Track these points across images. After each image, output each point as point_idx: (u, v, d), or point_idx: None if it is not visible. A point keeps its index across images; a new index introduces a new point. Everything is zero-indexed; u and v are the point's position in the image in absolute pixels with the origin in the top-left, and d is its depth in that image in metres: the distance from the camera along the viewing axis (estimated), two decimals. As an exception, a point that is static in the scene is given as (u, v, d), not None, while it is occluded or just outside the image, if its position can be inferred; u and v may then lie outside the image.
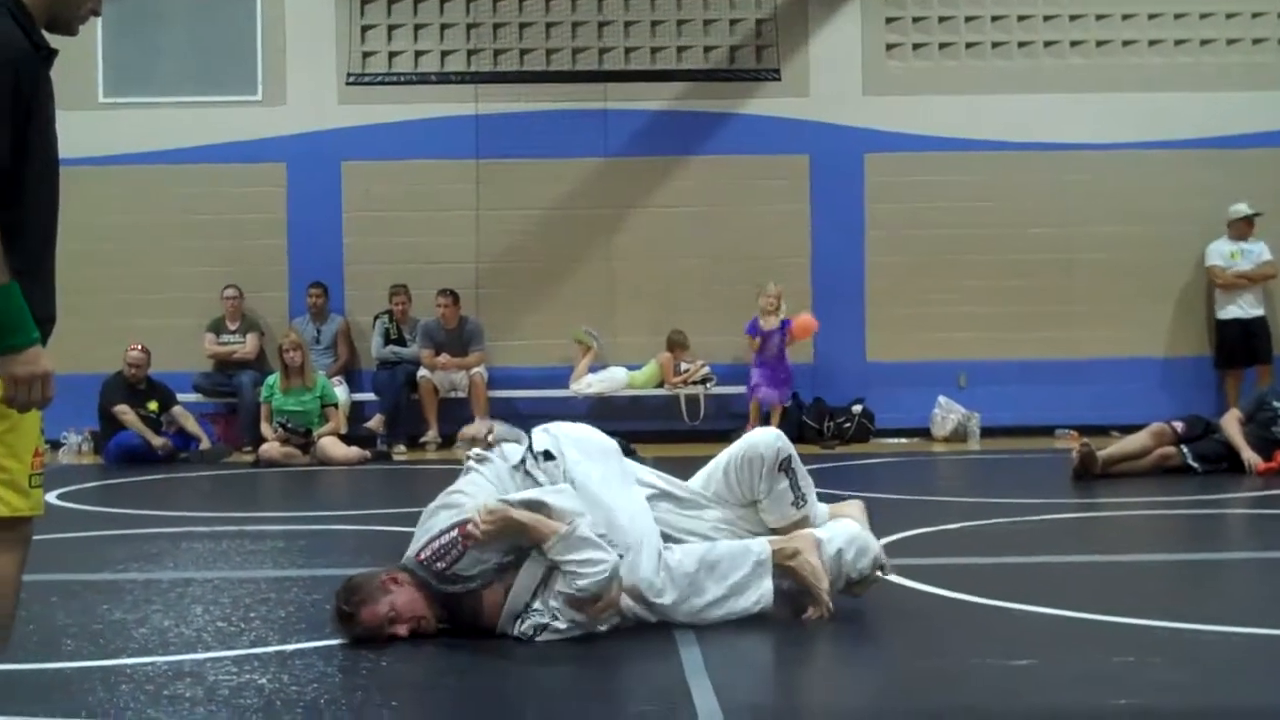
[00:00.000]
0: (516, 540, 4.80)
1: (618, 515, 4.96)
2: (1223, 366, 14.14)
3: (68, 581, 6.07)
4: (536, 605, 4.77)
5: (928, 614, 5.33)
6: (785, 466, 5.27)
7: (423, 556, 4.83)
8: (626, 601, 4.86)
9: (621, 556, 4.82)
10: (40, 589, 5.66)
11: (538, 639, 4.73)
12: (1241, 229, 13.98)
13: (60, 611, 5.41)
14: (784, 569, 5.07)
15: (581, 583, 4.70)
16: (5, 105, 3.16)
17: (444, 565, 4.78)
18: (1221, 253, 14.04)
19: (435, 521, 4.94)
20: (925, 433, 14.08)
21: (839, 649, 4.89)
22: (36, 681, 4.23)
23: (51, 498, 9.20)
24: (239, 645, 4.83)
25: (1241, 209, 13.97)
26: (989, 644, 4.73)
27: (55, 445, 13.29)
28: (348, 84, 14.26)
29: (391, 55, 14.53)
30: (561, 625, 4.75)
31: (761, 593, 5.01)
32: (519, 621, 4.77)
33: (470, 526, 4.79)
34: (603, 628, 4.81)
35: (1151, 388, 14.10)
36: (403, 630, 4.74)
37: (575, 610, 4.75)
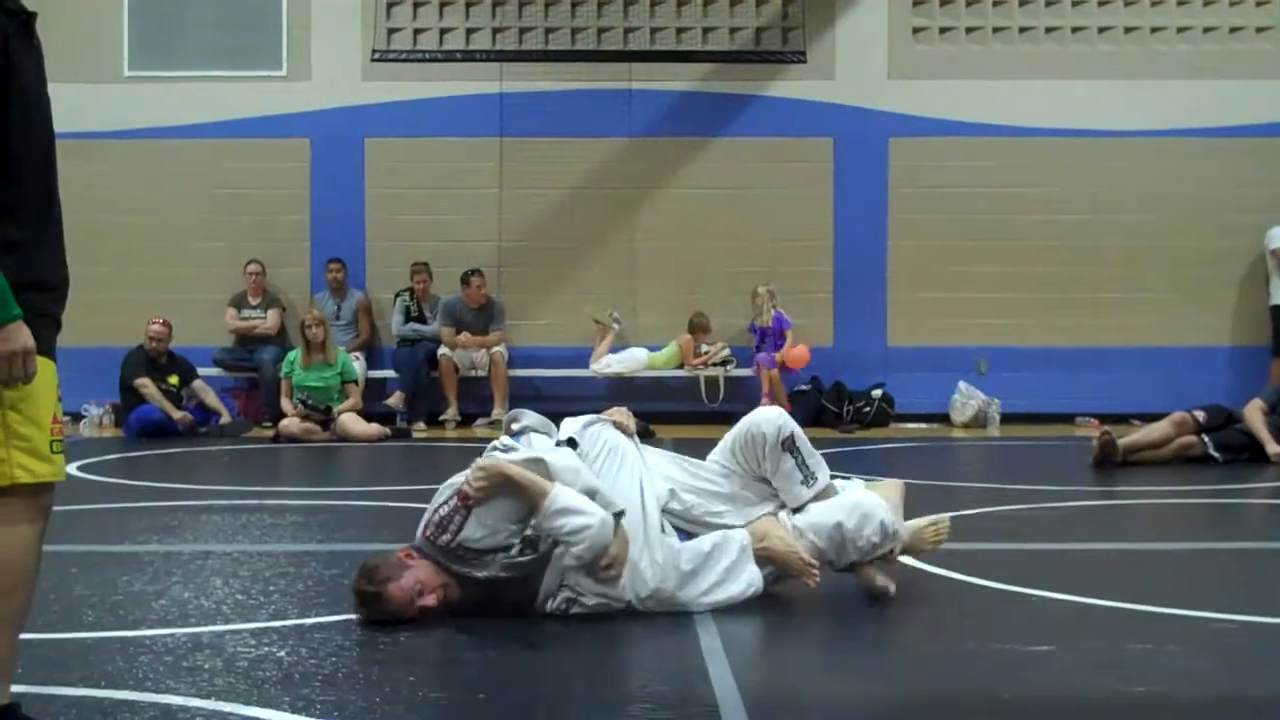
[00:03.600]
0: (513, 500, 4.76)
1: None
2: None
3: (88, 553, 6.10)
4: (566, 582, 4.78)
5: (946, 599, 5.32)
6: (789, 445, 5.24)
7: (428, 533, 4.82)
8: (630, 594, 4.85)
9: (621, 514, 4.81)
10: (61, 560, 5.69)
11: (570, 612, 4.76)
12: None
13: (80, 582, 5.44)
14: (760, 554, 5.05)
15: (577, 549, 4.69)
16: None
17: (449, 538, 4.76)
18: None
19: (438, 498, 4.93)
20: (945, 418, 14.05)
21: (856, 632, 4.88)
22: (57, 651, 4.24)
23: (72, 469, 9.26)
24: (258, 618, 4.84)
25: None
26: (1007, 629, 4.72)
27: (77, 418, 13.36)
28: (372, 60, 14.25)
29: (416, 32, 14.52)
30: (589, 601, 4.76)
31: (750, 577, 5.00)
32: (550, 600, 4.79)
33: (465, 486, 4.79)
34: (620, 604, 4.81)
35: (1174, 376, 14.02)
36: (432, 600, 4.71)
37: (589, 576, 4.75)
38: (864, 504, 5.19)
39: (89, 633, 4.61)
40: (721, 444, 5.47)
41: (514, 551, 4.76)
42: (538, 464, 4.84)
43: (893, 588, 5.17)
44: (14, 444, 3.19)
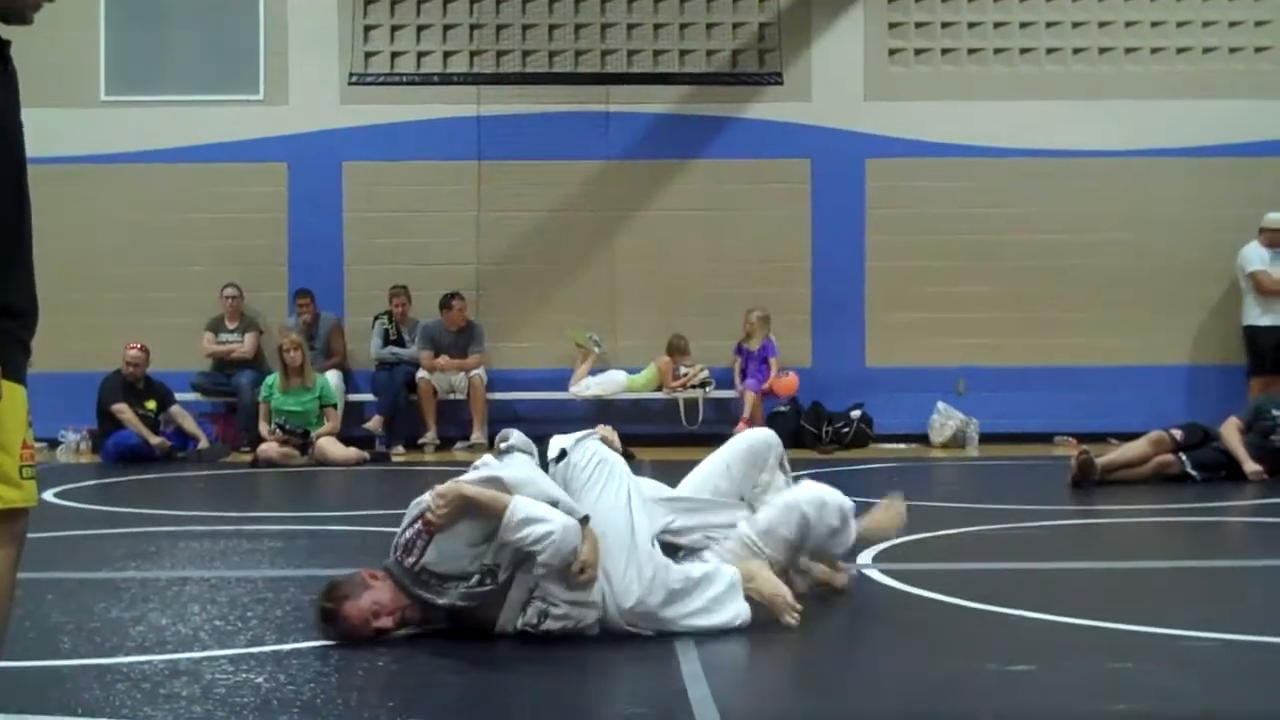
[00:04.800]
0: (476, 521, 4.75)
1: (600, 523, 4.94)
2: (1258, 373, 13.60)
3: (65, 579, 6.07)
4: (536, 594, 4.77)
5: (925, 619, 5.33)
6: (781, 463, 5.43)
7: (397, 554, 4.83)
8: (612, 612, 4.84)
9: (585, 520, 4.81)
10: (37, 586, 5.66)
11: (541, 627, 4.74)
12: (1274, 238, 13.67)
13: (57, 609, 5.41)
14: (747, 593, 5.04)
15: (543, 557, 4.67)
16: None
17: (414, 560, 4.77)
18: (1263, 258, 13.63)
19: (406, 518, 4.93)
20: (924, 438, 14.07)
21: (836, 654, 4.89)
22: (33, 679, 4.22)
23: (49, 495, 9.21)
24: (236, 644, 4.82)
25: (1278, 219, 13.74)
26: (987, 649, 4.73)
27: (53, 443, 13.30)
28: (350, 84, 14.25)
29: (394, 56, 14.53)
30: (559, 611, 4.74)
31: (738, 610, 4.98)
32: (523, 613, 4.77)
33: (428, 513, 4.78)
34: (593, 613, 4.79)
35: (1151, 395, 14.07)
36: (388, 622, 4.74)
37: (561, 584, 4.73)
38: (820, 492, 5.31)
39: (66, 660, 4.59)
40: (708, 466, 5.48)
41: (473, 581, 4.74)
42: (495, 482, 4.84)
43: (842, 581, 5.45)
44: None
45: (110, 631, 5.04)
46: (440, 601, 4.75)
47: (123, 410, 12.79)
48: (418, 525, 4.81)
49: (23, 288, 3.27)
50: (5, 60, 3.26)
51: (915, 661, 4.66)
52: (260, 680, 4.29)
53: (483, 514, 4.75)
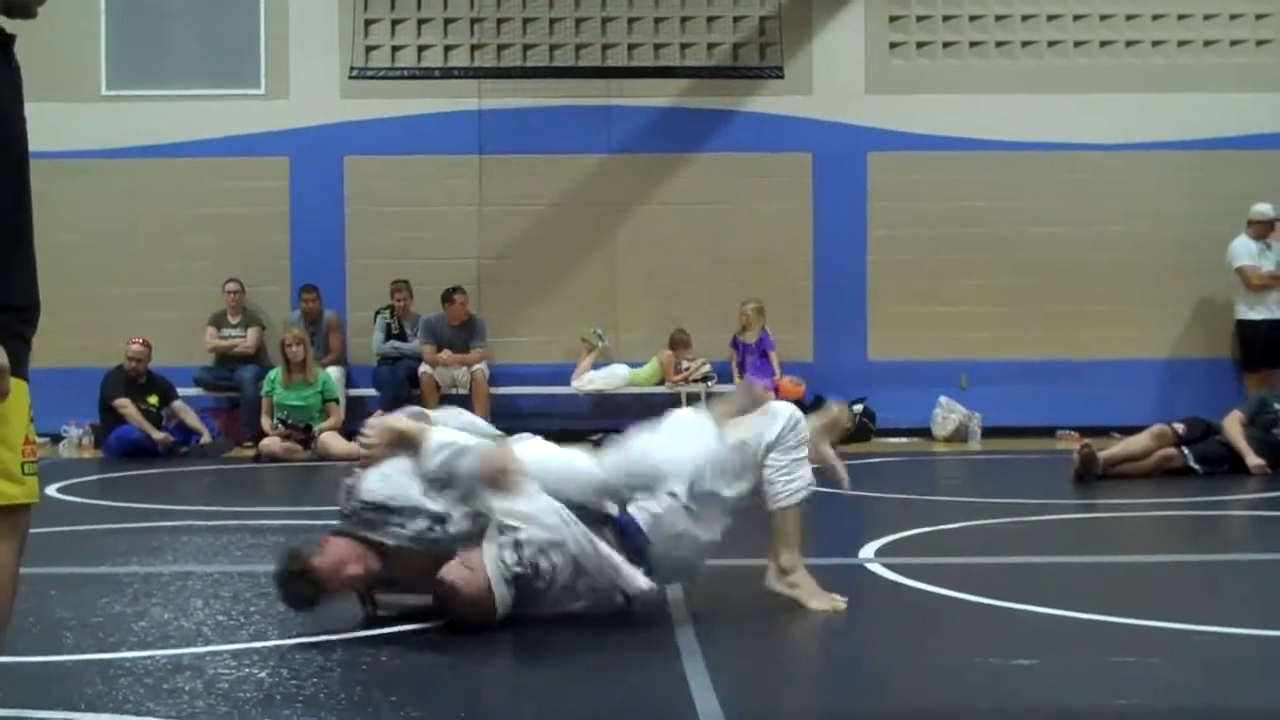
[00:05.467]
0: (406, 449, 4.96)
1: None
2: (1251, 368, 13.62)
3: (67, 574, 6.07)
4: (500, 530, 4.82)
5: (928, 613, 5.32)
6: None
7: (342, 507, 5.00)
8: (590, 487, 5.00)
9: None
10: (40, 581, 5.66)
11: (526, 558, 4.75)
12: (1262, 229, 13.71)
13: (59, 604, 5.41)
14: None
15: (465, 470, 4.87)
16: None
17: (355, 503, 4.92)
18: (1250, 252, 13.62)
19: None
20: (926, 432, 14.07)
21: (837, 647, 4.88)
22: (36, 674, 4.22)
23: (52, 490, 9.23)
24: (239, 639, 4.82)
25: (1267, 210, 13.70)
26: (989, 643, 4.72)
27: (56, 439, 13.31)
28: (350, 78, 14.25)
29: (395, 49, 14.52)
30: (525, 534, 4.76)
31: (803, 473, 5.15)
32: (504, 563, 4.77)
33: (359, 445, 5.05)
34: (563, 535, 4.81)
35: (1153, 389, 14.08)
36: (357, 569, 4.85)
37: (492, 490, 4.85)
38: (770, 408, 5.33)
39: (68, 655, 4.59)
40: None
41: (422, 526, 4.85)
42: (422, 417, 5.15)
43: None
44: None
45: (113, 627, 5.04)
46: (390, 543, 4.86)
47: (125, 405, 12.80)
48: (354, 469, 5.03)
49: (24, 283, 3.25)
50: (9, 55, 3.26)
51: (917, 655, 4.65)
52: (263, 675, 4.29)
53: (411, 444, 4.94)
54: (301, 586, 4.86)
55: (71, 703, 3.96)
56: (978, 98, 14.56)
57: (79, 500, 9.20)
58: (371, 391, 14.11)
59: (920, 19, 14.67)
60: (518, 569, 4.78)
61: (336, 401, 13.11)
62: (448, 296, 13.99)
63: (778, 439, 5.11)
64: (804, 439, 5.20)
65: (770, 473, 5.08)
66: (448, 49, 14.59)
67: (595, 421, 13.77)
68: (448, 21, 14.59)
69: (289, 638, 4.82)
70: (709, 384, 14.11)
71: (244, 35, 14.63)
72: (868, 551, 6.53)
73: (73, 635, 4.89)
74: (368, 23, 14.48)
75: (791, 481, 5.09)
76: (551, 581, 4.82)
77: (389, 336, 14.22)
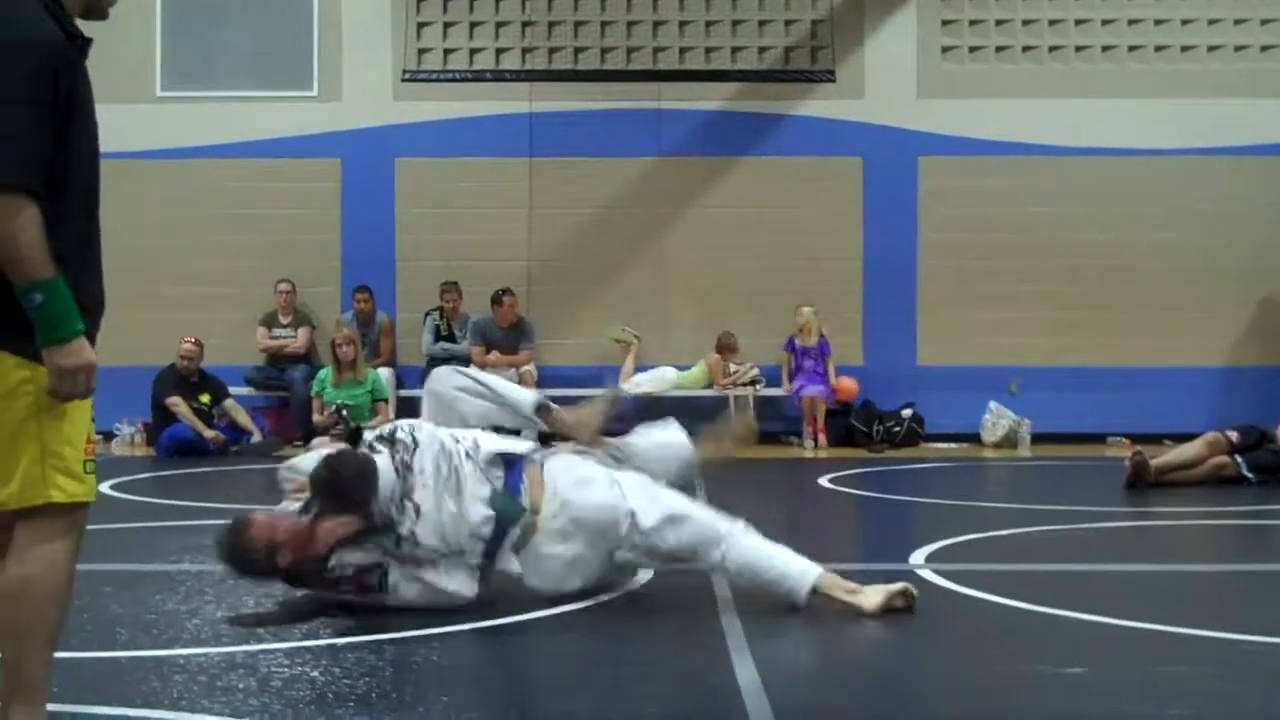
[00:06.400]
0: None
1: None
2: None
3: (121, 571, 6.13)
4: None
5: (978, 620, 5.30)
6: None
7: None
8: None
9: None
10: (94, 578, 5.72)
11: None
12: None
13: (114, 601, 5.46)
14: None
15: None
16: (46, 97, 3.15)
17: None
18: None
19: None
20: (975, 438, 14.00)
21: (886, 651, 4.87)
22: (92, 670, 4.26)
23: (105, 488, 9.31)
24: (291, 637, 4.86)
25: None
26: (1039, 651, 4.70)
27: (108, 436, 13.42)
28: (403, 80, 14.34)
29: (447, 52, 14.59)
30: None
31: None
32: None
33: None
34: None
35: (1206, 396, 13.96)
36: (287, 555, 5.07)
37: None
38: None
39: (123, 652, 4.63)
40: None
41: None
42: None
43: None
44: (50, 462, 3.22)
45: (167, 624, 5.09)
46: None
47: (177, 404, 12.90)
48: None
49: (92, 282, 3.34)
50: (85, 58, 3.35)
51: (968, 663, 4.64)
52: (315, 674, 4.32)
53: None
54: (236, 552, 5.12)
55: (128, 699, 4.00)
56: (1030, 102, 14.49)
57: (131, 498, 9.29)
58: (420, 392, 14.12)
59: (973, 23, 14.61)
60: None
61: (385, 401, 13.18)
62: (497, 298, 14.04)
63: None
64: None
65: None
66: (499, 52, 14.64)
67: (641, 424, 13.77)
68: (499, 25, 14.65)
69: (341, 636, 4.85)
70: (757, 387, 14.10)
71: (297, 38, 14.74)
72: (918, 557, 6.51)
73: (127, 631, 4.94)
74: (420, 25, 14.56)
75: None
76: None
77: (438, 338, 14.28)
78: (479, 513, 5.15)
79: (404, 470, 5.11)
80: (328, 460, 5.22)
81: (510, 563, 5.24)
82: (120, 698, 4.01)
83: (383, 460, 5.14)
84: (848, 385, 13.93)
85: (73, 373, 3.17)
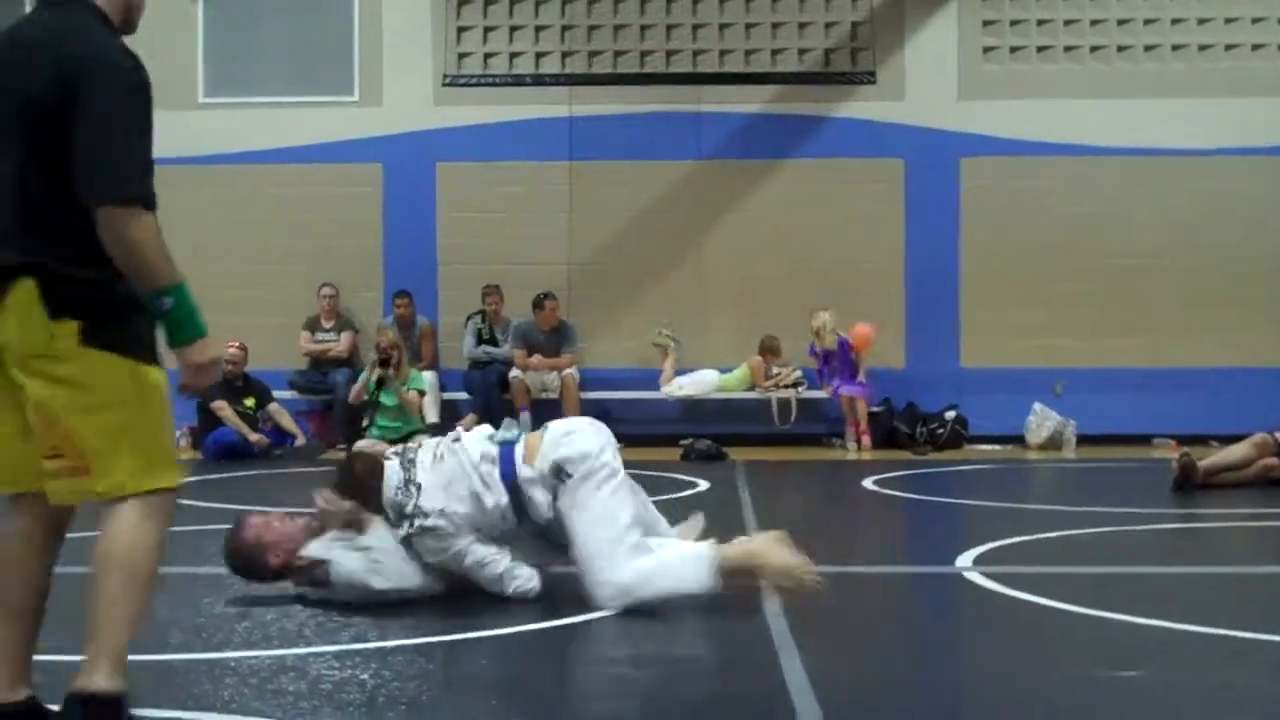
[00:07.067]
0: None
1: None
2: None
3: (171, 574, 6.08)
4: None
5: (1027, 623, 5.27)
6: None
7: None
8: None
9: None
10: (144, 581, 5.74)
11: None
12: None
13: (164, 604, 5.46)
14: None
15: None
16: (150, 118, 3.49)
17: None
18: None
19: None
20: (1019, 440, 13.92)
21: (936, 655, 4.85)
22: (145, 673, 4.25)
23: (152, 492, 9.35)
24: (340, 640, 4.87)
25: None
26: (1090, 655, 4.66)
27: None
28: (443, 85, 14.38)
29: (487, 57, 14.62)
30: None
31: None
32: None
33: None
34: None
35: (1252, 397, 13.82)
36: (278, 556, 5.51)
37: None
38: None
39: (175, 655, 4.66)
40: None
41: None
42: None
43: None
44: (145, 452, 3.50)
45: (216, 627, 5.12)
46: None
47: (222, 408, 12.97)
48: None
49: None
50: None
51: (1017, 666, 4.61)
52: (365, 677, 4.33)
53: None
54: (233, 556, 5.56)
55: (180, 701, 4.03)
56: (1072, 103, 14.40)
57: (179, 501, 9.29)
58: (463, 395, 14.20)
59: (1014, 23, 14.54)
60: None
61: (421, 393, 13.33)
62: (538, 302, 14.06)
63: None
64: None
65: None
66: (539, 56, 14.66)
67: (684, 426, 13.79)
68: (539, 29, 14.67)
69: (389, 639, 4.87)
70: (799, 390, 14.07)
71: (338, 43, 14.80)
72: (965, 560, 6.47)
73: (179, 635, 4.98)
74: (460, 30, 14.59)
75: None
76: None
77: (480, 341, 14.31)
78: (479, 449, 5.47)
79: (407, 465, 5.49)
80: (346, 455, 5.83)
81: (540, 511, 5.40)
82: (173, 700, 4.04)
83: (391, 462, 5.57)
84: (863, 331, 13.79)
85: (206, 367, 3.59)
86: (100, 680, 3.39)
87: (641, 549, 5.24)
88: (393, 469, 5.52)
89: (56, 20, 3.52)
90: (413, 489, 5.40)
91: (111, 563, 3.45)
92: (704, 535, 5.84)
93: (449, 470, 5.42)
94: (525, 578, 5.42)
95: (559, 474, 5.31)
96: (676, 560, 5.23)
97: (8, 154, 3.43)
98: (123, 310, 3.49)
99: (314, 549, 5.46)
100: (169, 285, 3.52)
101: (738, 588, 5.31)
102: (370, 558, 5.40)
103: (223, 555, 5.59)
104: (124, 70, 3.45)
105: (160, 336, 3.60)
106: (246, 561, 5.56)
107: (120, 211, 3.39)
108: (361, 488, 5.55)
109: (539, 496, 5.35)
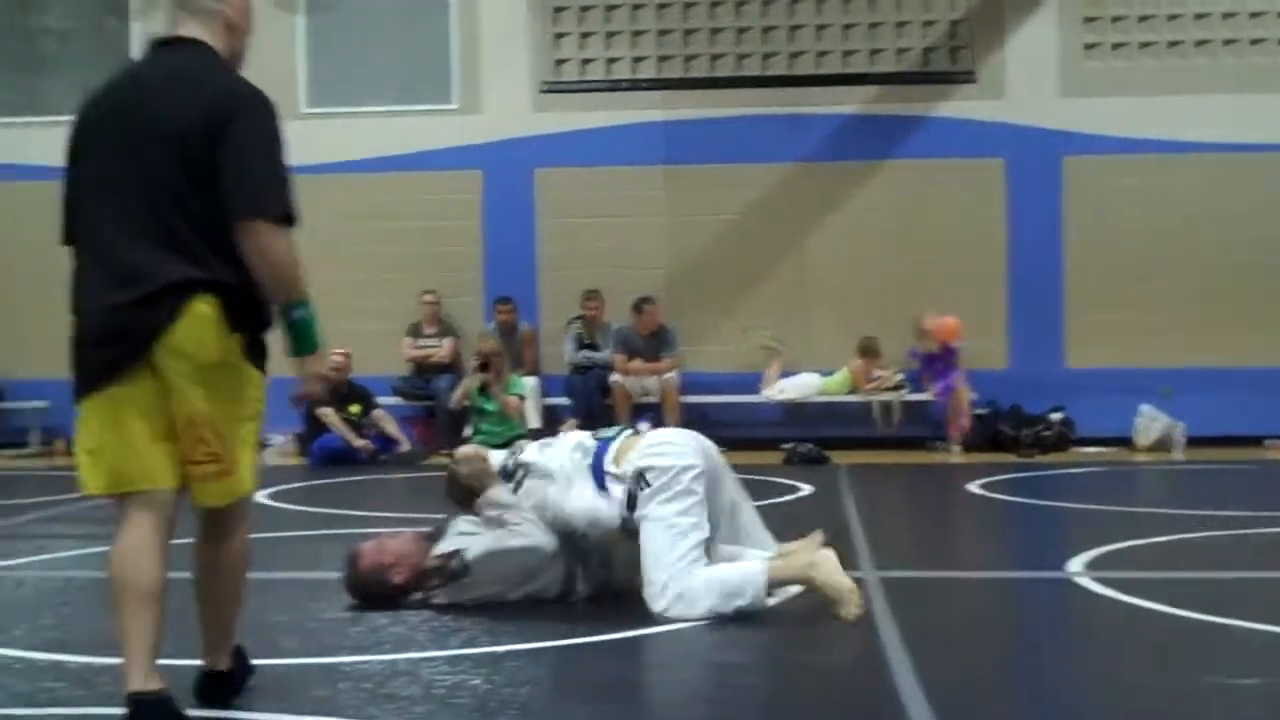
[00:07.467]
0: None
1: None
2: None
3: (281, 579, 6.24)
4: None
5: (1142, 629, 5.20)
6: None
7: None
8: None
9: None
10: (255, 586, 5.72)
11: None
12: None
13: (275, 609, 5.56)
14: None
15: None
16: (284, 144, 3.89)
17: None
18: None
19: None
20: (1127, 442, 13.70)
21: (1050, 664, 4.78)
22: (260, 678, 4.33)
23: (261, 497, 9.48)
24: (451, 645, 4.91)
25: None
26: (1208, 662, 4.59)
27: (261, 446, 13.65)
28: (541, 92, 14.45)
29: (584, 62, 14.67)
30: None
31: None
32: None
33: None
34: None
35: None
36: (401, 573, 5.60)
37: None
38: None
39: (289, 659, 4.73)
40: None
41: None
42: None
43: None
44: (255, 459, 3.97)
45: (329, 631, 5.18)
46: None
47: (328, 414, 13.12)
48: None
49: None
50: None
51: (1134, 674, 4.54)
52: (477, 682, 4.36)
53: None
54: (358, 588, 5.60)
55: (296, 706, 4.08)
56: (1176, 99, 14.15)
57: (286, 506, 9.46)
58: (564, 400, 14.25)
59: (1115, 19, 14.33)
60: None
61: (521, 397, 13.42)
62: (637, 306, 14.08)
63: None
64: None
65: None
66: (636, 61, 14.69)
67: (786, 430, 13.75)
68: (635, 34, 14.70)
69: (500, 644, 4.89)
70: (901, 393, 13.96)
71: (437, 52, 14.93)
72: (1075, 565, 6.39)
73: (291, 639, 5.04)
74: (557, 36, 14.66)
75: None
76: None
77: (581, 346, 14.36)
78: (576, 439, 5.75)
79: (513, 452, 5.81)
80: (450, 463, 5.97)
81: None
82: (289, 705, 4.09)
83: (496, 454, 5.90)
84: (949, 322, 13.68)
85: (322, 377, 4.01)
86: (226, 661, 4.07)
87: (699, 564, 5.29)
88: (497, 457, 5.84)
89: (189, 59, 3.91)
90: (518, 456, 5.73)
91: (242, 565, 4.04)
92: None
93: (548, 451, 5.70)
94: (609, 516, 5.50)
95: (639, 480, 5.38)
96: (731, 576, 5.27)
97: (165, 177, 3.75)
98: (265, 327, 3.88)
99: (442, 546, 5.58)
100: (304, 298, 3.85)
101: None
102: (500, 525, 5.55)
103: (346, 590, 5.64)
104: (266, 103, 3.88)
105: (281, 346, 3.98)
106: (371, 588, 5.60)
107: (270, 227, 3.78)
108: (469, 491, 5.70)
109: (616, 494, 5.42)
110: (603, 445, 5.58)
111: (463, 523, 5.67)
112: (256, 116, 3.83)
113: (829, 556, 5.27)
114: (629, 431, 5.76)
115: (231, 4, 4.04)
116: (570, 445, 5.66)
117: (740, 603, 5.18)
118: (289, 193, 3.86)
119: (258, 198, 3.78)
